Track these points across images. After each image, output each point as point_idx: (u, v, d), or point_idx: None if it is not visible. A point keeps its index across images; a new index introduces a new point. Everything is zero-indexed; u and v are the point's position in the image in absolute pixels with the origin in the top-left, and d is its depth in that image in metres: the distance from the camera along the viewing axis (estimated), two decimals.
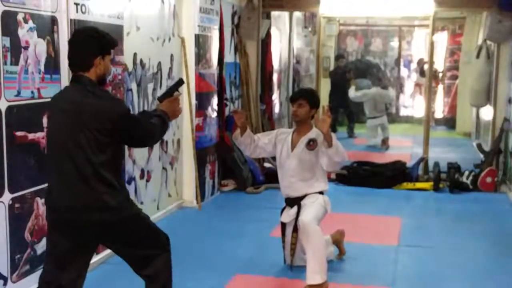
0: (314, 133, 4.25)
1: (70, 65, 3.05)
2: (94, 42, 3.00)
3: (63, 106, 2.98)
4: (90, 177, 2.89)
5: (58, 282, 3.00)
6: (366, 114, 10.64)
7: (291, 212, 4.31)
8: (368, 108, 10.50)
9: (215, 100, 6.75)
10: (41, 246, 3.95)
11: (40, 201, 3.92)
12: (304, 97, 4.30)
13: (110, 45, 3.07)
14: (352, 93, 10.68)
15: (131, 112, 3.13)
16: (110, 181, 2.93)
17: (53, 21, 3.99)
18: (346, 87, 10.89)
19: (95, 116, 2.89)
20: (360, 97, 10.63)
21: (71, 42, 3.08)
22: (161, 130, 3.18)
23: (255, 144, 4.35)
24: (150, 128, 3.11)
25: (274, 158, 7.94)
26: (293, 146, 4.31)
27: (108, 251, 4.60)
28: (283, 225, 4.42)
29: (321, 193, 4.32)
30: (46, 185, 3.92)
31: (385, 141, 10.32)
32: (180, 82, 3.45)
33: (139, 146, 3.44)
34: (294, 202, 4.30)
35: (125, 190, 3.08)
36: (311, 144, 4.22)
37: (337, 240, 4.65)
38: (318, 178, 4.31)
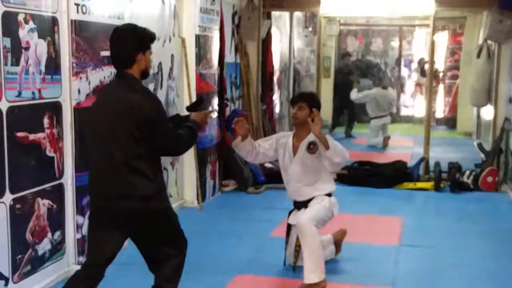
0: (313, 136, 4.21)
1: (113, 63, 3.16)
2: (134, 39, 3.11)
3: (106, 99, 3.15)
4: (123, 167, 3.02)
5: (92, 263, 3.18)
6: (369, 114, 10.61)
7: (298, 215, 4.30)
8: (371, 109, 10.48)
9: (215, 100, 6.75)
10: (42, 247, 3.96)
11: (41, 202, 3.92)
12: (304, 100, 4.27)
13: (150, 40, 3.19)
14: (354, 95, 10.69)
15: (166, 115, 3.21)
16: (143, 172, 3.04)
17: (54, 21, 4.00)
18: (352, 86, 10.86)
19: (132, 110, 3.01)
20: (361, 98, 10.63)
21: (112, 41, 3.16)
22: (189, 142, 3.27)
23: (256, 151, 4.31)
24: (176, 140, 3.17)
25: (276, 161, 7.97)
26: (294, 151, 4.28)
27: None
28: (289, 227, 4.41)
29: (329, 194, 4.31)
30: (46, 185, 3.97)
31: (385, 140, 10.32)
32: (199, 101, 3.67)
33: (162, 153, 3.26)
34: (302, 205, 4.29)
35: (159, 184, 3.15)
36: (312, 147, 4.20)
37: (338, 239, 4.65)
38: (324, 180, 4.28)
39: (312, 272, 4.01)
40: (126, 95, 3.05)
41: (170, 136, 3.14)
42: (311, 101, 4.28)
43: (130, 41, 3.11)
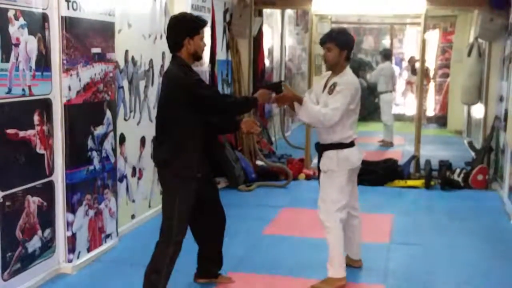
0: (340, 77, 4.04)
1: (168, 47, 3.61)
2: (181, 26, 3.55)
3: (163, 78, 3.70)
4: (159, 135, 3.61)
5: None
6: (379, 89, 10.47)
7: (317, 160, 4.23)
8: (383, 83, 10.40)
9: None
10: (32, 244, 3.94)
11: (31, 199, 3.90)
12: (331, 39, 4.05)
13: (197, 27, 3.57)
14: (369, 76, 10.61)
15: (203, 83, 3.62)
16: (169, 143, 3.51)
17: (44, 18, 3.97)
18: None
19: (169, 83, 3.52)
20: (378, 73, 10.54)
21: (167, 27, 3.63)
22: (239, 103, 3.81)
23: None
24: (216, 96, 3.69)
25: (266, 156, 7.98)
26: (324, 87, 4.13)
27: (100, 249, 4.60)
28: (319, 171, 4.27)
29: (342, 145, 4.06)
30: (36, 183, 3.94)
31: (388, 143, 10.37)
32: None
33: (210, 112, 3.64)
34: (319, 149, 4.16)
35: (182, 159, 3.51)
36: (331, 88, 4.03)
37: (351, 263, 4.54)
38: (344, 125, 4.03)
39: (334, 267, 4.08)
40: (169, 72, 3.57)
41: (208, 92, 3.57)
42: (339, 39, 4.06)
43: (176, 28, 3.54)
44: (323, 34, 4.21)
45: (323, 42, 4.13)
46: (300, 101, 3.96)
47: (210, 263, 4.05)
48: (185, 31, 3.51)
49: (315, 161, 4.33)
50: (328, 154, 4.10)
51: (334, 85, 4.03)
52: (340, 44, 4.06)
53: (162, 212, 3.64)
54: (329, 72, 4.23)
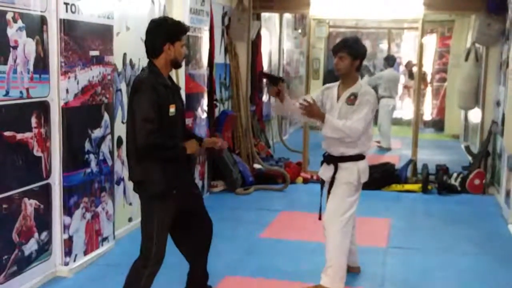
0: (357, 87, 4.01)
1: (146, 52, 3.36)
2: (162, 30, 3.31)
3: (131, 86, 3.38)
4: (133, 154, 3.30)
5: None
6: (379, 95, 10.43)
7: (327, 173, 4.12)
8: (383, 89, 10.38)
9: (205, 101, 6.74)
10: (29, 247, 3.93)
11: (28, 202, 3.89)
12: (344, 48, 3.99)
13: (179, 32, 3.34)
14: (366, 79, 10.53)
15: (151, 108, 3.20)
16: (140, 160, 3.25)
17: (43, 20, 3.97)
18: None
19: (131, 95, 3.26)
20: (375, 79, 10.51)
21: (146, 31, 3.36)
22: (157, 146, 3.24)
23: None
24: (142, 132, 3.16)
25: (263, 159, 7.98)
26: (338, 97, 4.08)
27: (97, 252, 4.59)
28: (322, 181, 4.23)
29: (360, 157, 4.07)
30: (33, 185, 3.93)
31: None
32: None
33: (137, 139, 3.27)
34: (331, 160, 4.10)
35: (154, 175, 3.27)
36: (351, 99, 3.99)
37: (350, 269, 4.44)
38: (366, 136, 4.04)
39: (329, 276, 3.99)
40: (134, 86, 3.27)
41: (138, 126, 3.18)
42: (353, 48, 4.01)
43: (157, 33, 3.30)
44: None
45: (336, 50, 4.06)
46: (321, 117, 3.90)
47: (199, 279, 3.84)
48: (166, 36, 3.28)
49: (320, 170, 4.23)
50: (347, 166, 4.04)
51: (355, 95, 3.98)
52: (353, 54, 4.00)
53: (141, 231, 3.47)
54: (330, 85, 4.19)
